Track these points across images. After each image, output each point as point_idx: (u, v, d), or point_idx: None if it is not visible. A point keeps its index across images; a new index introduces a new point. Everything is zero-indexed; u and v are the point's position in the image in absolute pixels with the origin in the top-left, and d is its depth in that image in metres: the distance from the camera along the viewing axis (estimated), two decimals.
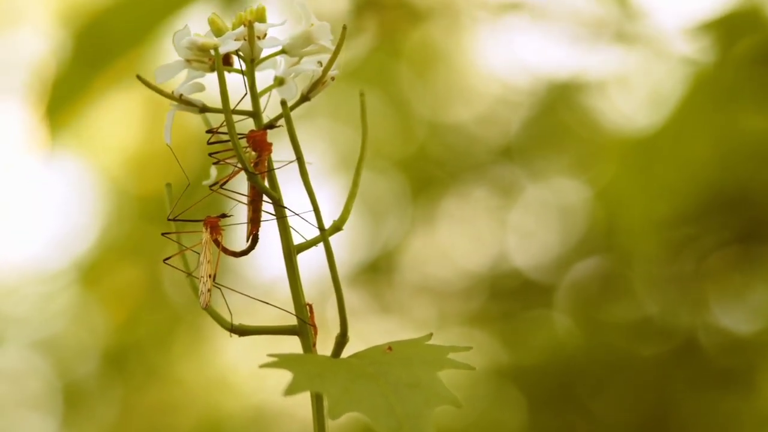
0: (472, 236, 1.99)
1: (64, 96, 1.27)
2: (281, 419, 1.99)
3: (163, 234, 0.60)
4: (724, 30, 1.42)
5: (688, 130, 1.52)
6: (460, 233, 2.00)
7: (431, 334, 0.60)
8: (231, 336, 0.60)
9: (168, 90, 0.59)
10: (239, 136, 0.58)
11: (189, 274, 0.60)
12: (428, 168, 2.01)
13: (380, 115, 2.01)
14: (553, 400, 1.87)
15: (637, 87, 1.81)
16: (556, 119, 1.91)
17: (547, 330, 1.87)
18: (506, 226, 1.98)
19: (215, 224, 0.60)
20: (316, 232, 0.60)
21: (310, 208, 0.59)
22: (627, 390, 1.82)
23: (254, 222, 0.60)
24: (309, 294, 0.62)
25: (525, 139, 1.95)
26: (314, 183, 0.59)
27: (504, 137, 1.97)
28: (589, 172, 1.90)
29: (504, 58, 1.96)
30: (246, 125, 0.59)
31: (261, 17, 0.58)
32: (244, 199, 0.60)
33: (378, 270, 1.99)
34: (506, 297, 1.95)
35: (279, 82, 0.59)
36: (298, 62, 0.59)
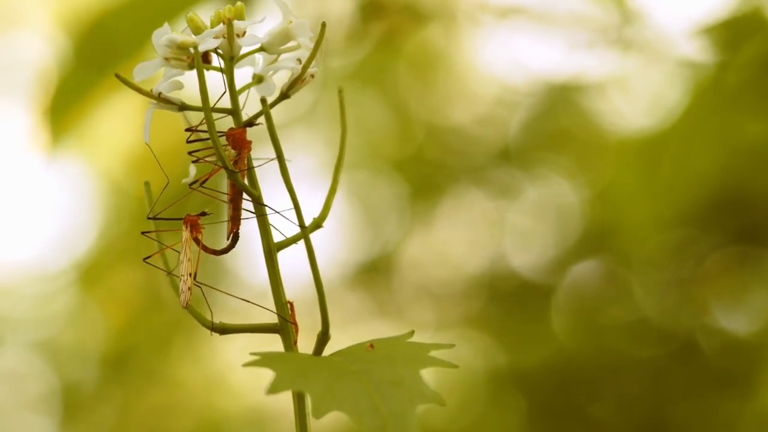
0: (471, 238, 1.99)
1: (67, 99, 1.27)
2: (280, 420, 1.99)
3: (143, 233, 0.60)
4: (728, 33, 1.42)
5: (690, 134, 1.52)
6: (458, 235, 2.00)
7: (413, 332, 0.60)
8: (212, 334, 0.60)
9: (147, 88, 0.59)
10: (219, 134, 0.58)
11: (169, 273, 0.60)
12: (426, 169, 2.01)
13: (378, 116, 2.01)
14: (551, 402, 1.87)
15: (637, 89, 1.81)
16: (554, 121, 1.91)
17: (545, 332, 1.87)
18: (504, 227, 1.98)
19: (195, 222, 0.60)
20: (297, 230, 0.60)
21: (291, 205, 0.59)
22: (626, 392, 1.82)
23: (234, 220, 0.60)
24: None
25: (523, 141, 1.95)
26: (294, 181, 0.59)
27: (502, 139, 1.97)
28: (588, 173, 1.90)
29: (503, 59, 1.96)
30: (225, 123, 0.59)
31: (240, 15, 0.58)
32: (225, 198, 0.60)
33: (376, 271, 1.99)
34: (504, 299, 1.95)
35: (258, 79, 0.59)
36: (276, 59, 0.59)
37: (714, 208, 1.67)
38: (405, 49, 1.89)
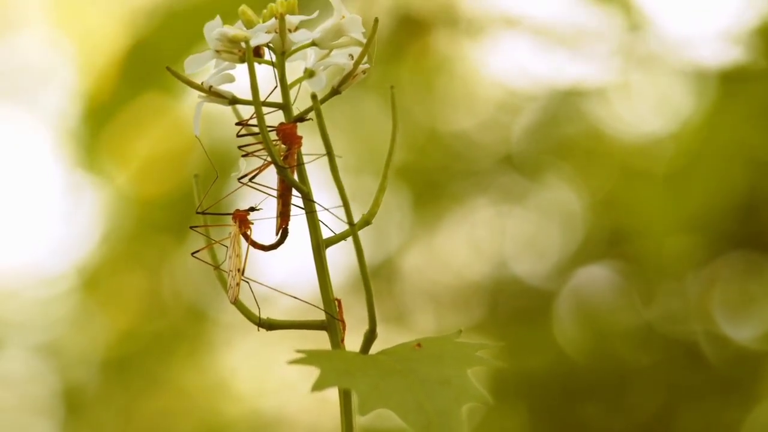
0: (473, 243, 1.98)
1: (107, 116, 1.28)
2: (281, 424, 1.98)
3: (191, 227, 0.59)
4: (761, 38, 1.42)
5: (708, 145, 1.52)
6: (460, 240, 1.99)
7: (461, 331, 0.60)
8: (259, 330, 0.59)
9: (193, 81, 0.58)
10: (269, 129, 0.57)
11: (217, 268, 0.60)
12: (429, 174, 2.01)
13: (381, 121, 2.01)
14: (554, 408, 1.87)
15: (642, 96, 1.81)
16: (558, 127, 1.91)
17: (548, 338, 1.86)
18: (507, 233, 1.98)
19: (244, 218, 0.59)
20: (343, 227, 0.60)
21: (336, 202, 0.59)
22: (628, 398, 1.82)
23: (284, 216, 0.59)
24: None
25: (527, 146, 1.95)
26: (343, 177, 0.59)
27: (505, 144, 1.97)
28: (591, 179, 1.90)
29: (507, 65, 1.96)
30: (276, 118, 0.59)
31: (292, 10, 0.57)
32: (274, 193, 0.59)
33: (378, 277, 1.98)
34: (507, 304, 1.95)
35: (309, 74, 0.58)
36: (328, 55, 0.59)
37: (720, 216, 1.67)
38: (407, 54, 1.89)
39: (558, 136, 1.91)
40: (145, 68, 1.29)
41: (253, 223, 0.60)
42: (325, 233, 0.60)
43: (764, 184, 1.65)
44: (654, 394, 1.80)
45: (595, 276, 1.90)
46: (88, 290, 2.05)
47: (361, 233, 0.60)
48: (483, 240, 1.98)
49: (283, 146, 0.58)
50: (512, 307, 1.95)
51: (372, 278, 1.85)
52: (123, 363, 2.03)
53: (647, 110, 1.80)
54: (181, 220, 1.89)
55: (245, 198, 0.60)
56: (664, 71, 1.73)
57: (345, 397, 0.60)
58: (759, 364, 1.77)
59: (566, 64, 1.83)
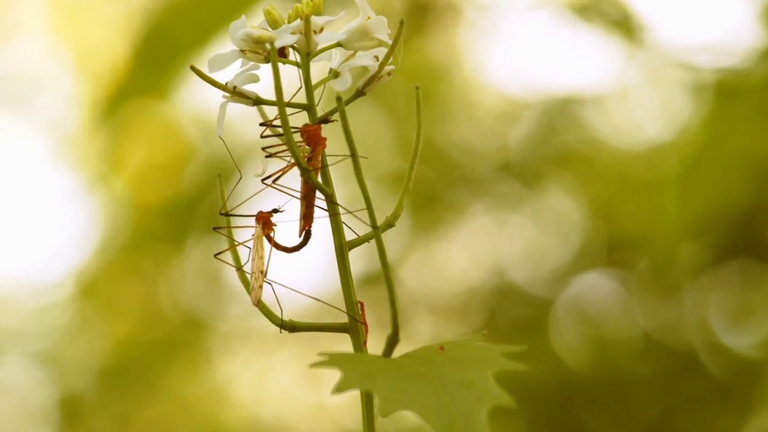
0: (471, 251, 1.98)
1: (105, 124, 1.27)
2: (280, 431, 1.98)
3: (214, 228, 0.59)
4: None
5: (707, 150, 1.52)
6: (459, 248, 1.99)
7: (484, 334, 0.60)
8: (281, 332, 0.59)
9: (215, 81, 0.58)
10: (293, 130, 0.56)
11: (240, 269, 0.59)
12: (427, 182, 2.01)
13: (378, 128, 2.01)
14: (552, 416, 1.87)
15: (640, 103, 1.81)
16: (556, 134, 1.91)
17: (546, 345, 1.86)
18: (505, 240, 1.98)
19: (267, 219, 0.59)
20: (365, 229, 0.59)
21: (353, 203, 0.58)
22: (627, 406, 1.82)
23: (307, 218, 0.59)
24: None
25: (525, 154, 1.95)
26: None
27: (504, 152, 1.97)
28: (590, 187, 1.90)
29: (504, 72, 1.96)
30: (300, 119, 0.58)
31: (318, 10, 0.57)
32: (297, 195, 0.59)
33: (376, 285, 1.98)
34: (505, 311, 1.94)
35: (334, 75, 0.58)
36: (353, 56, 0.58)
37: (719, 224, 1.67)
38: (404, 62, 1.89)
39: (556, 145, 1.91)
40: (143, 77, 1.28)
41: (276, 225, 0.59)
42: (348, 235, 0.60)
43: (764, 191, 1.64)
44: (652, 402, 1.80)
45: (594, 284, 1.90)
46: (85, 298, 2.05)
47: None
48: (481, 248, 1.98)
49: (307, 148, 0.58)
50: (510, 314, 1.94)
51: (371, 285, 1.84)
52: (120, 371, 2.03)
53: (646, 118, 1.80)
54: (178, 229, 1.88)
55: (268, 199, 0.59)
56: (663, 79, 1.73)
57: (367, 401, 0.59)
58: (757, 372, 1.77)
59: (564, 72, 1.84)
